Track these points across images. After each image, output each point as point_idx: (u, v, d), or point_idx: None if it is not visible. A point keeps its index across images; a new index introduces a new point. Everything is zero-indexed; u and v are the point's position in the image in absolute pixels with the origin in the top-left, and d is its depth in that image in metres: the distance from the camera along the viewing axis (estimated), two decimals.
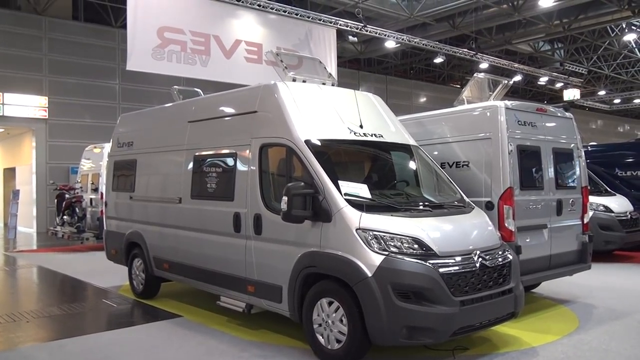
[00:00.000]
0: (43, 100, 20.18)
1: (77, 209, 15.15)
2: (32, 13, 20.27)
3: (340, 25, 19.42)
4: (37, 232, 20.18)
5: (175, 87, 9.02)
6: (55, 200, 16.64)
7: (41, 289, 10.55)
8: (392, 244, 5.08)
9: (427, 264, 5.00)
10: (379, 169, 6.75)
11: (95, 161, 15.49)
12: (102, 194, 13.45)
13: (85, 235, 14.69)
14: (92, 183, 15.31)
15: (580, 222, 7.93)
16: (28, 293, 10.01)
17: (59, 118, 20.53)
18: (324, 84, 6.86)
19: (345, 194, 5.39)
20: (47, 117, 20.28)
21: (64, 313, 7.74)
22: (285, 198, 5.36)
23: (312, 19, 18.61)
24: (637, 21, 24.75)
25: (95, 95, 21.24)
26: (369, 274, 4.97)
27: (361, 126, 6.28)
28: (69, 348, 6.10)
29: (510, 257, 5.72)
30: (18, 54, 19.66)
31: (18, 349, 6.12)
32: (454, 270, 5.11)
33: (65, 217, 15.58)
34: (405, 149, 6.73)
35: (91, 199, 15.27)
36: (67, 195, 15.82)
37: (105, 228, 9.81)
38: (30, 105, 19.95)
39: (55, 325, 7.27)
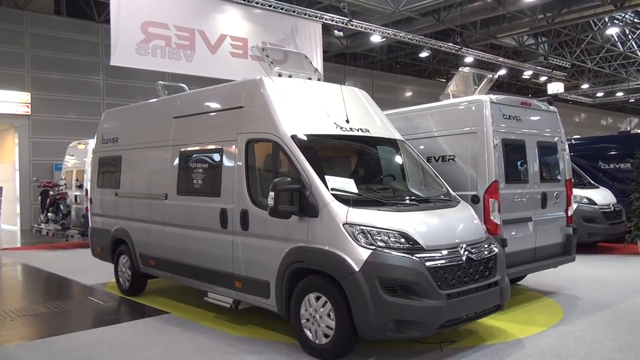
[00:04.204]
0: (25, 96, 19.92)
1: (61, 206, 15.00)
2: (13, 8, 19.95)
3: (325, 19, 19.37)
4: (21, 229, 19.97)
5: (160, 82, 8.96)
6: (39, 197, 16.47)
7: (26, 287, 10.45)
8: (379, 238, 5.10)
9: (414, 257, 5.03)
10: (365, 164, 6.77)
11: (80, 157, 15.35)
12: (86, 190, 13.33)
13: (70, 233, 14.57)
14: (77, 180, 15.18)
15: (564, 215, 8.02)
16: (12, 291, 9.90)
17: (42, 114, 20.29)
18: (310, 78, 6.85)
19: (332, 189, 5.40)
20: (29, 113, 20.03)
21: (49, 311, 7.68)
22: (272, 193, 5.36)
23: (297, 13, 18.55)
24: (619, 15, 24.98)
25: (79, 91, 21.01)
26: (356, 269, 4.98)
27: (347, 121, 6.28)
28: (54, 346, 6.05)
29: (496, 250, 5.77)
30: None
31: (2, 348, 6.05)
32: (441, 263, 5.15)
33: (49, 214, 15.42)
34: (392, 143, 6.75)
35: (76, 196, 15.13)
36: (51, 192, 15.66)
37: (90, 225, 9.74)
38: (12, 101, 19.67)
39: (41, 324, 7.20)
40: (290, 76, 6.66)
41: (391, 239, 5.11)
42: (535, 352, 5.57)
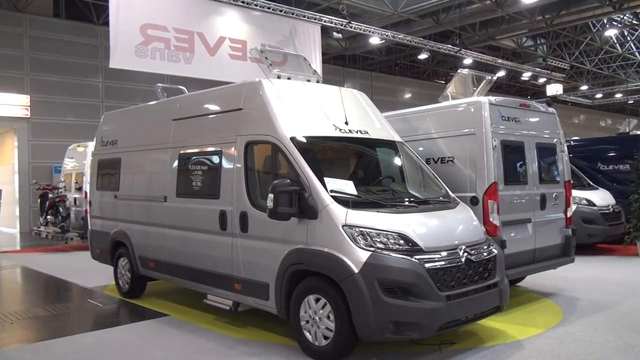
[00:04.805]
0: (25, 99, 19.91)
1: (60, 209, 14.99)
2: (12, 10, 19.96)
3: (324, 21, 19.39)
4: (21, 232, 19.94)
5: (159, 84, 8.97)
6: (39, 200, 16.46)
7: (25, 289, 10.45)
8: (378, 240, 5.10)
9: (413, 259, 5.03)
10: (364, 166, 6.78)
11: (79, 160, 15.35)
12: (86, 193, 13.32)
13: (70, 235, 14.55)
14: (76, 182, 15.17)
15: (563, 216, 8.02)
16: (12, 294, 9.89)
17: (42, 117, 20.27)
18: (309, 80, 6.86)
19: (331, 191, 5.40)
20: (29, 115, 20.01)
21: (49, 314, 7.67)
22: (271, 195, 5.36)
23: (296, 15, 18.56)
24: (617, 17, 25.02)
25: (78, 93, 21.00)
26: (356, 270, 4.98)
27: (346, 123, 6.29)
28: (54, 349, 6.05)
29: (495, 251, 5.77)
30: None
31: (2, 350, 6.05)
32: (440, 265, 5.15)
33: (49, 216, 15.41)
34: (391, 145, 6.76)
35: (75, 198, 15.13)
36: (50, 195, 15.65)
37: (90, 227, 9.73)
38: (11, 104, 19.65)
39: (40, 326, 7.20)
40: (289, 78, 6.67)
41: (390, 240, 5.11)
42: (535, 353, 5.57)
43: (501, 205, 6.92)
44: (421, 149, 7.54)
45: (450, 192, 6.41)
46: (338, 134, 6.17)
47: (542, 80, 33.37)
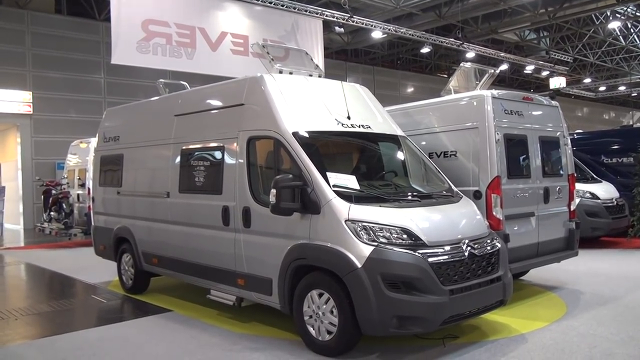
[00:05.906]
0: (27, 95, 19.93)
1: (64, 205, 15.04)
2: (14, 7, 19.96)
3: (326, 16, 19.34)
4: (24, 228, 19.99)
5: (161, 80, 8.96)
6: (42, 197, 16.51)
7: (29, 286, 10.48)
8: (381, 234, 5.09)
9: (416, 253, 5.02)
10: (367, 160, 6.76)
11: (82, 156, 15.38)
12: (89, 189, 13.34)
13: (73, 231, 14.60)
14: (79, 178, 15.21)
15: (567, 210, 8.01)
16: (16, 290, 9.93)
17: (44, 113, 20.29)
18: (310, 75, 6.85)
19: (334, 186, 5.39)
20: (31, 112, 20.03)
21: (53, 310, 7.70)
22: (273, 191, 5.35)
23: (298, 10, 18.51)
24: (621, 9, 24.90)
25: (81, 89, 21.02)
26: (359, 265, 4.98)
27: (349, 117, 6.27)
28: (58, 345, 6.07)
29: (499, 245, 5.76)
30: (0, 49, 19.38)
31: (7, 346, 6.08)
32: (443, 259, 5.14)
33: (52, 213, 15.46)
34: (393, 139, 6.74)
35: (78, 195, 15.16)
36: (53, 191, 15.69)
37: (93, 224, 9.76)
38: (14, 100, 19.68)
39: (45, 322, 7.22)
40: (291, 73, 6.66)
41: (393, 235, 5.11)
42: (539, 347, 5.56)
43: (504, 199, 6.91)
44: (424, 143, 7.52)
45: (453, 186, 6.39)
46: (340, 128, 6.15)
47: (545, 73, 33.27)
